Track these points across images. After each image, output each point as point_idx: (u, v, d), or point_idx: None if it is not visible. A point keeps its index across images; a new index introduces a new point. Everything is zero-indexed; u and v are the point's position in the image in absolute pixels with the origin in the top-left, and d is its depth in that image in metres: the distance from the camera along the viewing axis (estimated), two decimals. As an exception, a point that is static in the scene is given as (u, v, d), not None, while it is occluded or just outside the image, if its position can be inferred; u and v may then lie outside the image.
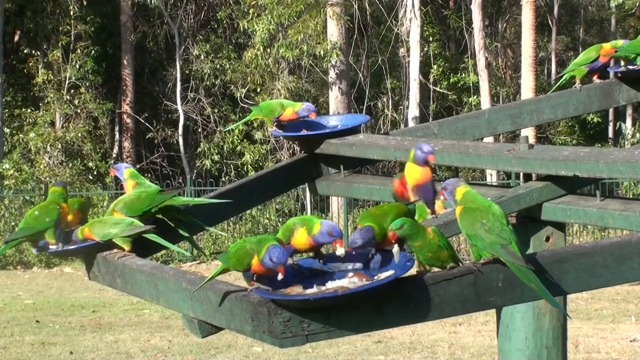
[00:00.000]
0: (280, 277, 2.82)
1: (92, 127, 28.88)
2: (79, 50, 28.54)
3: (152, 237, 3.68)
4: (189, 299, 3.11)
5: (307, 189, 4.74)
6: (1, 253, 4.02)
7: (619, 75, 4.77)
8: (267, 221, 23.37)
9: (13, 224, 21.54)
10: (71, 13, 28.11)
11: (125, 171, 4.11)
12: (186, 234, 3.94)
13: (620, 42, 4.78)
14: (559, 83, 4.98)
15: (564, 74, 4.89)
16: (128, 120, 30.17)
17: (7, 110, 28.04)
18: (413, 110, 26.45)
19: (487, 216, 2.85)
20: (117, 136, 30.76)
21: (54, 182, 4.21)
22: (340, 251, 2.99)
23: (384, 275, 2.83)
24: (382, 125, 28.96)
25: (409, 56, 27.23)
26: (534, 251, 3.87)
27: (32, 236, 3.88)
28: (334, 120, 4.69)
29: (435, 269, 2.89)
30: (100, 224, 3.70)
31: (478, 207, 2.89)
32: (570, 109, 4.76)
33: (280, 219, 23.07)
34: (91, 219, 3.96)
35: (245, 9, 28.17)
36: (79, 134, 27.79)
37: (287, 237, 3.09)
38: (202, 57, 29.36)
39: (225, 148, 29.21)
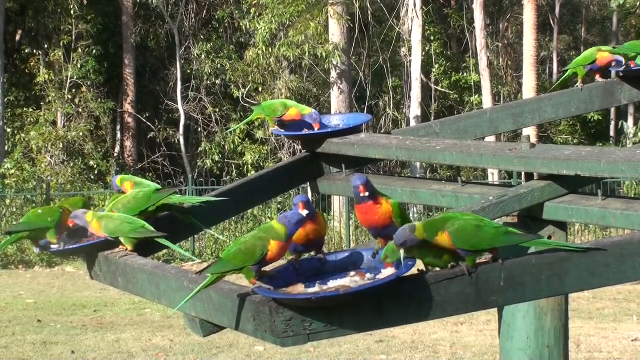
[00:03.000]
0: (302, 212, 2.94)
1: (93, 127, 28.91)
2: (80, 50, 28.56)
3: (163, 241, 3.68)
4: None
5: (309, 189, 4.73)
6: (4, 246, 4.03)
7: (621, 74, 4.77)
8: (268, 220, 23.33)
9: (14, 223, 21.54)
10: (72, 12, 28.12)
11: (117, 180, 4.11)
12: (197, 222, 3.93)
13: (619, 56, 4.75)
14: (561, 79, 4.99)
15: (566, 70, 4.91)
16: (129, 120, 30.19)
17: (9, 109, 28.06)
18: (415, 110, 26.48)
19: (474, 219, 2.86)
20: (118, 135, 30.78)
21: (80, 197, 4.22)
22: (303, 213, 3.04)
23: (385, 274, 2.83)
24: (383, 125, 28.97)
25: (410, 55, 27.25)
26: (536, 250, 3.88)
27: (34, 232, 3.88)
28: (335, 119, 4.69)
29: (438, 269, 2.89)
30: (111, 219, 3.68)
31: (459, 219, 2.85)
32: (572, 109, 4.75)
33: (282, 219, 23.04)
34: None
35: (246, 9, 28.18)
36: (81, 133, 27.80)
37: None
38: (203, 56, 29.36)
39: (226, 148, 29.23)
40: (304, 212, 3.03)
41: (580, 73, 4.78)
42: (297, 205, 3.08)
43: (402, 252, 2.81)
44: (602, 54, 4.76)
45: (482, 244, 2.81)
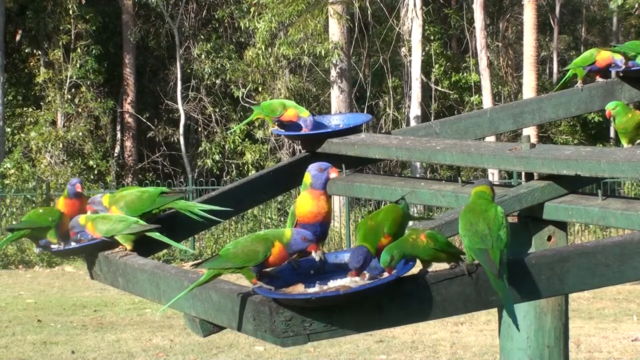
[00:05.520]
0: (315, 256, 2.91)
1: (93, 127, 28.89)
2: (79, 50, 28.55)
3: (156, 235, 3.68)
4: (191, 297, 3.11)
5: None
6: (5, 243, 4.04)
7: (621, 74, 4.77)
8: (268, 220, 23.38)
9: (14, 222, 21.53)
10: (71, 12, 28.10)
11: (102, 200, 3.95)
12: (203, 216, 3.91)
13: (619, 56, 4.75)
14: (562, 80, 4.99)
15: (567, 69, 4.91)
16: (129, 120, 30.17)
17: (8, 109, 28.04)
18: (415, 110, 26.47)
19: (478, 219, 2.85)
20: (118, 135, 30.76)
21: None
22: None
23: (385, 274, 2.83)
24: (383, 125, 28.97)
25: (410, 55, 27.24)
26: (536, 250, 3.88)
27: (34, 231, 3.90)
28: (335, 119, 4.69)
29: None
30: (104, 220, 3.70)
31: (474, 209, 2.90)
32: (572, 109, 4.76)
33: (282, 218, 23.08)
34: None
35: (246, 8, 28.18)
36: (80, 133, 27.78)
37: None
38: (203, 56, 29.36)
39: (226, 147, 29.22)
40: (332, 175, 3.21)
41: (580, 74, 4.79)
42: (326, 170, 3.20)
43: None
44: (602, 55, 4.76)
45: (463, 240, 2.86)
